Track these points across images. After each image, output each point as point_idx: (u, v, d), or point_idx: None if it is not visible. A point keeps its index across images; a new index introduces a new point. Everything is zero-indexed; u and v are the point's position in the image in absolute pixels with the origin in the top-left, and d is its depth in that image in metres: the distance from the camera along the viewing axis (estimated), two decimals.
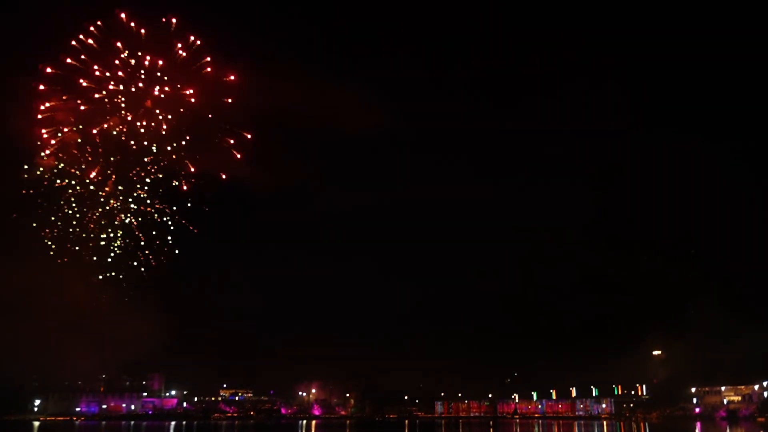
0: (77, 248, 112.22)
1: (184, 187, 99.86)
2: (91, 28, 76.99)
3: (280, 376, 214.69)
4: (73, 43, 76.53)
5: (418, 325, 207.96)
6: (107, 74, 79.20)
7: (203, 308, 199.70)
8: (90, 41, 76.49)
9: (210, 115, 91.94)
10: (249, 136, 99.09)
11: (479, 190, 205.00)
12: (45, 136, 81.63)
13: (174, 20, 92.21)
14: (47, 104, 78.72)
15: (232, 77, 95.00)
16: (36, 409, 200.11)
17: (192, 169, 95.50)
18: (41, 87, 78.09)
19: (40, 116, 79.69)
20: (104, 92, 79.31)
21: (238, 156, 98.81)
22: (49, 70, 79.55)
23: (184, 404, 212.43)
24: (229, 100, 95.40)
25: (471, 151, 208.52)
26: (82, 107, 78.68)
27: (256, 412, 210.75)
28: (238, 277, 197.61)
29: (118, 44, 79.76)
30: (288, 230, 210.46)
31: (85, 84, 77.92)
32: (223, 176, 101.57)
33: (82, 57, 77.18)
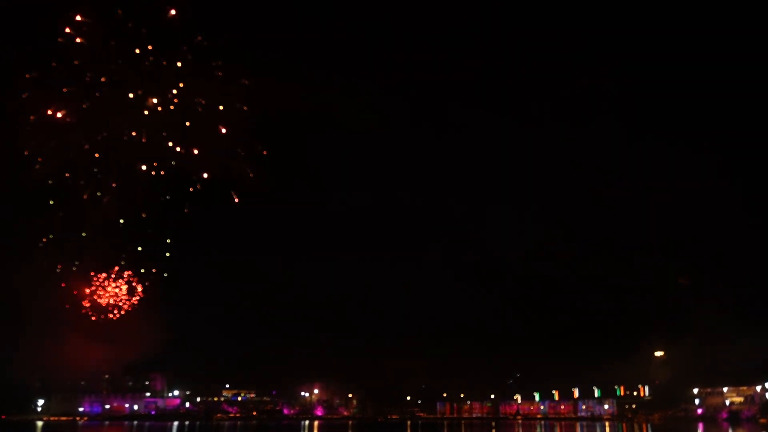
0: (78, 254, 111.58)
1: (186, 210, 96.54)
2: (83, 28, 72.76)
3: (282, 376, 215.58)
4: (60, 40, 71.83)
5: (421, 326, 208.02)
6: (102, 79, 75.13)
7: (205, 309, 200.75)
8: (79, 40, 72.13)
9: (224, 129, 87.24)
10: (264, 153, 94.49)
11: (479, 190, 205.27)
12: (34, 146, 77.81)
13: (178, 18, 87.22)
14: (33, 114, 74.46)
15: (246, 82, 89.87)
16: (39, 409, 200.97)
17: (198, 186, 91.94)
18: (24, 95, 74.01)
19: (28, 128, 75.58)
20: (95, 100, 75.19)
21: (251, 174, 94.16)
22: (27, 75, 74.68)
23: (187, 404, 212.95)
24: (245, 108, 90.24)
25: (470, 151, 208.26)
26: (68, 119, 74.86)
27: (259, 412, 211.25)
28: (241, 278, 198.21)
29: (113, 44, 75.92)
30: (290, 231, 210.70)
31: (70, 91, 74.01)
32: (236, 200, 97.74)
33: (74, 61, 73.16)
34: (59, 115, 72.56)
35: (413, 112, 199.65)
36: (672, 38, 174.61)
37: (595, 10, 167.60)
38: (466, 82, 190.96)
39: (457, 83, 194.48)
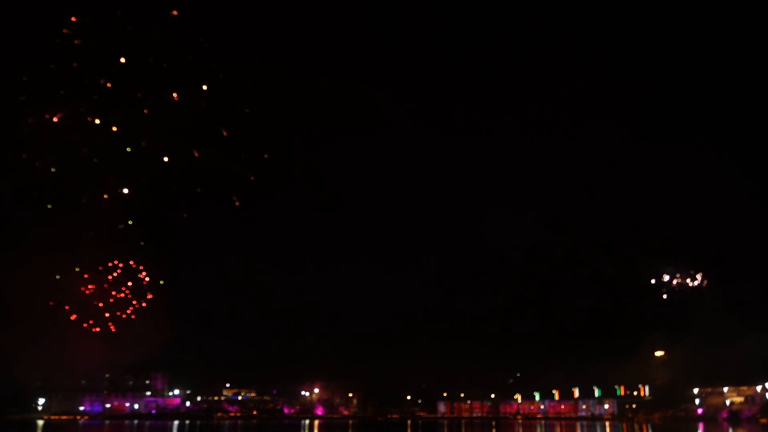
0: (78, 258, 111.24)
1: (185, 215, 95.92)
2: (81, 29, 71.51)
3: (283, 375, 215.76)
4: (57, 41, 70.86)
5: (421, 326, 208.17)
6: (101, 81, 74.33)
7: (206, 308, 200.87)
8: (77, 42, 71.25)
9: (225, 132, 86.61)
10: (266, 156, 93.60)
11: (479, 190, 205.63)
12: (32, 149, 77.01)
13: (179, 20, 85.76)
14: (31, 116, 73.57)
15: (247, 84, 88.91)
16: (40, 408, 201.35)
17: (199, 190, 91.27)
18: (21, 97, 72.97)
19: (26, 130, 74.79)
20: (94, 102, 74.34)
21: (252, 178, 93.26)
22: (24, 78, 73.73)
23: (187, 403, 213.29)
24: (246, 111, 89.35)
25: (471, 151, 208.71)
26: (66, 122, 73.99)
27: (259, 411, 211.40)
28: (241, 277, 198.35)
29: (112, 45, 74.84)
30: (290, 231, 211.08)
31: (68, 93, 72.91)
32: (237, 203, 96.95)
33: (73, 64, 72.05)
34: (57, 118, 72.10)
35: (414, 114, 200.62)
36: (671, 38, 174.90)
37: (596, 10, 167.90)
38: (466, 83, 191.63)
39: (457, 84, 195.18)
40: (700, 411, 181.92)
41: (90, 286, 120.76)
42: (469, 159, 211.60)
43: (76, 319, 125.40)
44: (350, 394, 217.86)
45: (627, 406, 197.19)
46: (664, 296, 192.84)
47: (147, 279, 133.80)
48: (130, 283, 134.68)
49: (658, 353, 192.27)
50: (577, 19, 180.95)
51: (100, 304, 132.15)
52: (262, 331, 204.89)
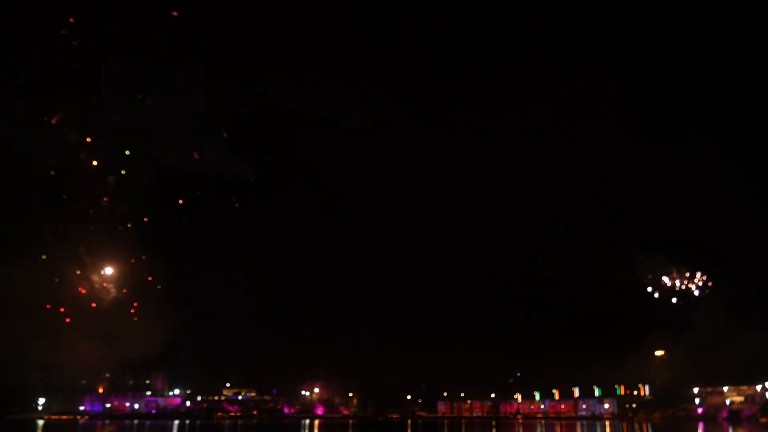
0: (79, 259, 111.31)
1: (183, 218, 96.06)
2: (80, 30, 71.01)
3: (283, 375, 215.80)
4: (57, 42, 70.49)
5: (421, 325, 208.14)
6: (100, 83, 74.23)
7: (206, 307, 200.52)
8: (75, 43, 70.98)
9: (225, 134, 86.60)
10: (266, 157, 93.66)
11: (479, 189, 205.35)
12: (32, 150, 76.86)
13: (180, 21, 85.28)
14: (31, 118, 73.38)
15: (247, 84, 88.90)
16: (40, 407, 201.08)
17: (198, 192, 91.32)
18: (21, 99, 72.70)
19: (26, 131, 74.75)
20: (93, 103, 74.14)
21: (252, 179, 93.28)
22: (23, 79, 73.51)
23: (188, 403, 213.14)
24: (247, 112, 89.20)
25: (471, 150, 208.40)
26: (65, 122, 73.75)
27: (260, 411, 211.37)
28: (242, 277, 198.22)
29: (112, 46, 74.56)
30: (291, 232, 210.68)
31: (68, 94, 72.59)
32: (237, 204, 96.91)
33: (72, 64, 71.73)
34: (56, 119, 71.92)
35: (414, 114, 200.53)
36: (671, 38, 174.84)
37: (595, 10, 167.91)
38: (465, 82, 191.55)
39: (456, 83, 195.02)
40: (700, 410, 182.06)
41: (89, 287, 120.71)
42: (469, 159, 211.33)
43: (74, 320, 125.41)
44: (350, 394, 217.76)
45: (627, 406, 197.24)
46: (664, 296, 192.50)
47: (148, 279, 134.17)
48: (130, 284, 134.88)
49: (658, 353, 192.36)
50: (577, 19, 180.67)
51: (98, 305, 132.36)
52: (262, 331, 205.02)
